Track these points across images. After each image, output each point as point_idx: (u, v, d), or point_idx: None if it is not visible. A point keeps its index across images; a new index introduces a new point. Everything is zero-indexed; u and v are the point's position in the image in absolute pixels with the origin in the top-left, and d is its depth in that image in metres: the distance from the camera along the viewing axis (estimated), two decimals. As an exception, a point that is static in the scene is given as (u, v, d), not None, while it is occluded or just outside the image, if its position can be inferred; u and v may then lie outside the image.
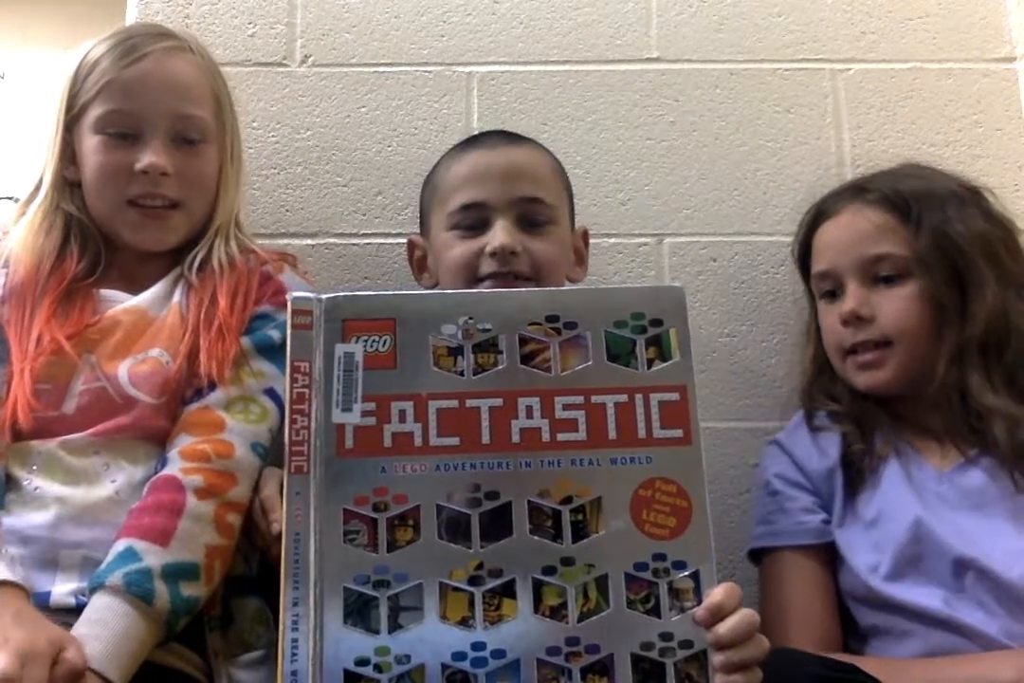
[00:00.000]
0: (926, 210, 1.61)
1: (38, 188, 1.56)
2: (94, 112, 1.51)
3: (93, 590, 1.25)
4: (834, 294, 1.66)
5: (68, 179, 1.55)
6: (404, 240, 1.76)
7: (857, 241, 1.63)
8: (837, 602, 1.55)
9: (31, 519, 1.34)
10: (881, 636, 1.49)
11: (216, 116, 1.59)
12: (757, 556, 1.64)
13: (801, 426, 1.67)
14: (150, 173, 1.50)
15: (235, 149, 1.64)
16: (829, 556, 1.56)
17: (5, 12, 4.06)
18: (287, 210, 1.91)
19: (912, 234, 1.60)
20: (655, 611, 1.06)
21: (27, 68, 3.98)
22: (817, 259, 1.69)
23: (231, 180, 1.62)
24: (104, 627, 1.21)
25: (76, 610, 1.27)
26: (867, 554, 1.51)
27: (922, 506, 1.50)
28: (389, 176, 1.92)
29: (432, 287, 1.69)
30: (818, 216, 1.71)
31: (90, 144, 1.52)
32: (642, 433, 1.10)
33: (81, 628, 1.21)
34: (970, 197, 1.66)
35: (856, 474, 1.57)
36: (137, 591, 1.23)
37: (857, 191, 1.68)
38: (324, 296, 1.12)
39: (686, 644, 1.05)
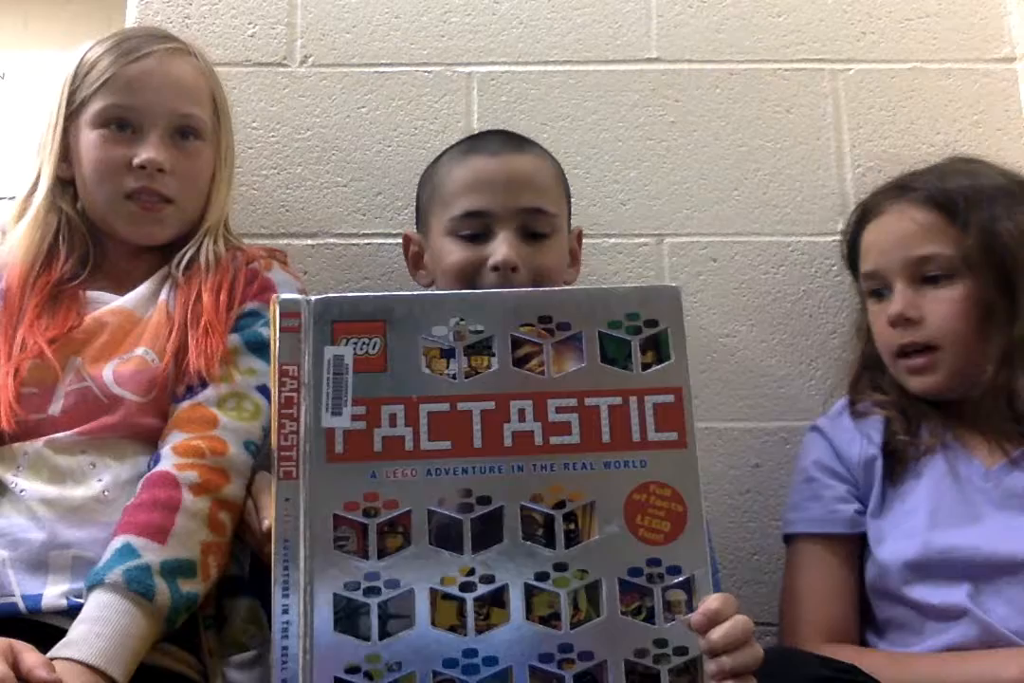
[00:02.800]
0: (973, 208, 1.59)
1: (35, 186, 1.56)
2: (94, 107, 1.52)
3: (91, 588, 1.24)
4: (881, 294, 1.64)
5: (62, 177, 1.56)
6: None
7: (902, 242, 1.61)
8: (858, 594, 1.55)
9: (18, 521, 1.34)
10: (898, 630, 1.49)
11: (213, 118, 1.60)
12: (787, 541, 1.65)
13: (844, 412, 1.66)
14: (147, 168, 1.51)
15: (228, 153, 1.65)
16: (857, 547, 1.56)
17: (5, 12, 4.06)
18: (287, 210, 1.90)
19: (959, 233, 1.58)
20: (649, 618, 1.05)
21: (27, 68, 3.99)
22: (864, 259, 1.68)
23: (223, 182, 1.62)
24: (106, 625, 1.20)
25: (68, 612, 1.27)
26: (897, 541, 1.50)
27: (963, 502, 1.50)
28: (389, 176, 1.92)
29: (428, 285, 1.69)
30: (864, 215, 1.71)
31: (88, 139, 1.53)
32: (636, 436, 1.09)
33: (81, 626, 1.21)
34: (1020, 192, 1.64)
35: (898, 464, 1.56)
36: (137, 588, 1.23)
37: (902, 189, 1.66)
38: (312, 298, 1.11)
39: (680, 651, 1.04)
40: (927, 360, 1.57)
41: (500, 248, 1.56)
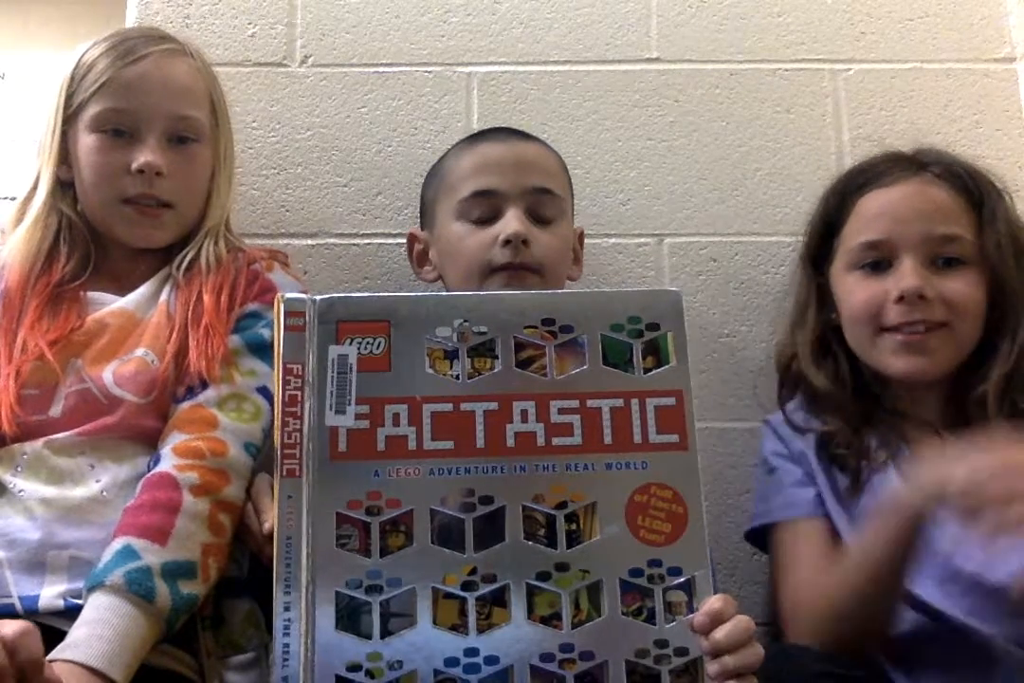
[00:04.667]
0: (997, 200, 1.58)
1: (35, 189, 1.56)
2: (91, 110, 1.52)
3: (91, 589, 1.24)
4: (878, 266, 1.57)
5: (62, 179, 1.56)
6: (404, 240, 1.76)
7: (925, 215, 1.55)
8: None
9: (16, 521, 1.34)
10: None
11: (211, 119, 1.60)
12: (760, 538, 1.62)
13: (789, 407, 1.64)
14: (146, 172, 1.50)
15: (228, 153, 1.65)
16: (830, 527, 1.52)
17: (5, 12, 4.06)
18: (287, 210, 1.90)
19: (983, 221, 1.56)
20: (650, 619, 1.06)
21: (27, 68, 3.99)
22: (864, 226, 1.60)
23: (223, 183, 1.62)
24: (106, 626, 1.20)
25: (65, 613, 1.27)
26: None
27: None
28: (389, 176, 1.92)
29: (434, 280, 1.70)
30: (866, 181, 1.63)
31: (86, 143, 1.53)
32: (638, 438, 1.10)
33: (81, 628, 1.21)
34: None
35: (852, 480, 1.53)
36: (138, 590, 1.23)
37: (916, 164, 1.62)
38: (318, 297, 1.12)
39: (681, 651, 1.04)
40: (930, 338, 1.52)
41: (510, 223, 1.57)
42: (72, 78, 1.54)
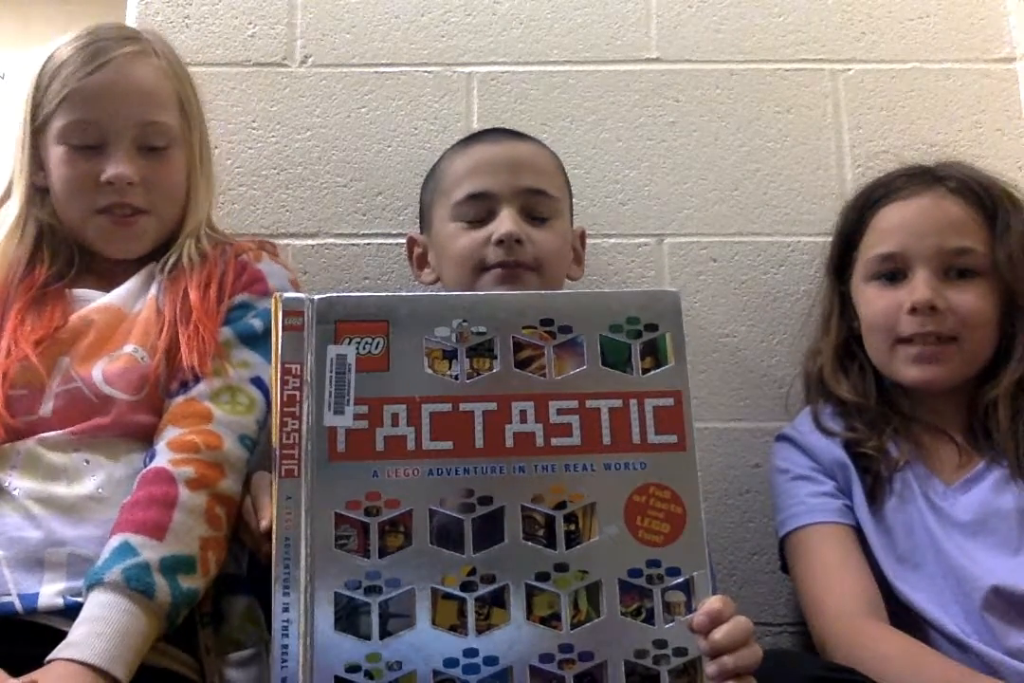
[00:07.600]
0: (1012, 214, 1.59)
1: (8, 195, 1.55)
2: (57, 123, 1.50)
3: (91, 587, 1.24)
4: (893, 277, 1.60)
5: (38, 185, 1.54)
6: (404, 240, 1.76)
7: (939, 229, 1.58)
8: (870, 570, 1.50)
9: (13, 520, 1.34)
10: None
11: (182, 120, 1.57)
12: (783, 545, 1.61)
13: (808, 420, 1.65)
14: (116, 183, 1.49)
15: (203, 152, 1.62)
16: (858, 537, 1.53)
17: (5, 12, 4.05)
18: (287, 210, 1.90)
19: (996, 235, 1.57)
20: (649, 619, 1.06)
21: (27, 68, 3.98)
22: (880, 239, 1.63)
23: (201, 183, 1.60)
24: (107, 624, 1.20)
25: (64, 611, 1.27)
26: (894, 565, 1.50)
27: (939, 525, 1.49)
28: (389, 176, 1.92)
29: (433, 282, 1.70)
30: (883, 195, 1.66)
31: (55, 154, 1.51)
32: (636, 438, 1.10)
33: (81, 626, 1.20)
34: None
35: (875, 480, 1.54)
36: (137, 586, 1.22)
37: (932, 177, 1.64)
38: (316, 297, 1.12)
39: (680, 651, 1.04)
40: (940, 350, 1.54)
41: (504, 222, 1.57)
42: (37, 88, 1.51)
